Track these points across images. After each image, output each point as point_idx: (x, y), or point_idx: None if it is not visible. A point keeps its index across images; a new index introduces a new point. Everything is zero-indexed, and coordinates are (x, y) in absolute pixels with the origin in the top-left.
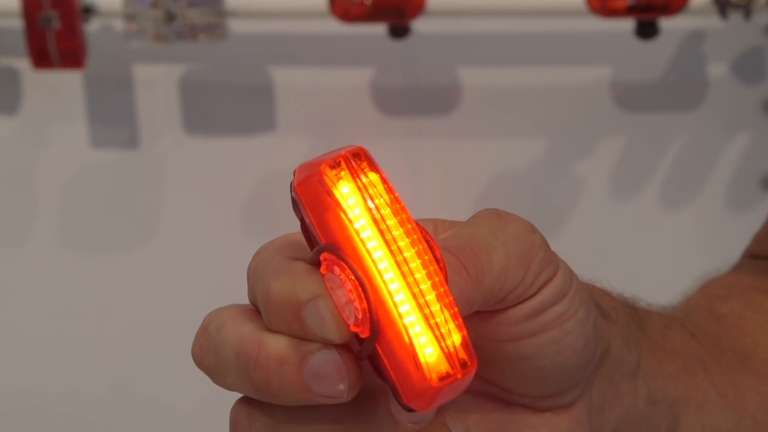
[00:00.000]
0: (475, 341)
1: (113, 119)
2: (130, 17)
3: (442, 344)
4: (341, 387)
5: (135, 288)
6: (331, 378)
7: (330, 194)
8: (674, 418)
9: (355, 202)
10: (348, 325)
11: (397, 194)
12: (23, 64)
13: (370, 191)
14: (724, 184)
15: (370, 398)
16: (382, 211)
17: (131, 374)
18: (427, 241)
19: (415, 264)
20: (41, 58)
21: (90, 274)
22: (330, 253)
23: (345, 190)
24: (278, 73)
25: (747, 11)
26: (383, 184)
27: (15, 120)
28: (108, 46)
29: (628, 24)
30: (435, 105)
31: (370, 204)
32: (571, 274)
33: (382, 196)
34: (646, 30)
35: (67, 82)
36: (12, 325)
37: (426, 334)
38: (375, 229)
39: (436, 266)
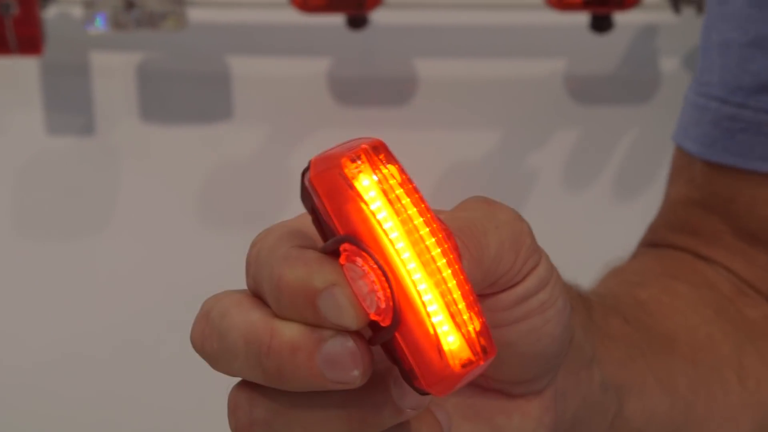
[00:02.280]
0: None
1: (70, 106)
2: (88, 4)
3: (464, 331)
4: (355, 373)
5: (90, 275)
6: (345, 364)
7: (351, 187)
8: (620, 403)
9: (375, 195)
10: (368, 314)
11: (415, 184)
12: None
13: (390, 182)
14: None
15: (372, 384)
16: (402, 202)
17: (86, 359)
18: (445, 230)
19: (436, 252)
20: None
21: (45, 261)
22: (351, 245)
23: (365, 183)
24: (236, 62)
25: (699, 6)
26: (401, 175)
27: None
28: (66, 32)
29: (582, 18)
30: (391, 96)
31: (390, 195)
32: (551, 265)
33: (401, 187)
34: (601, 24)
35: (25, 68)
36: None
37: (448, 322)
38: (396, 219)
39: (456, 254)
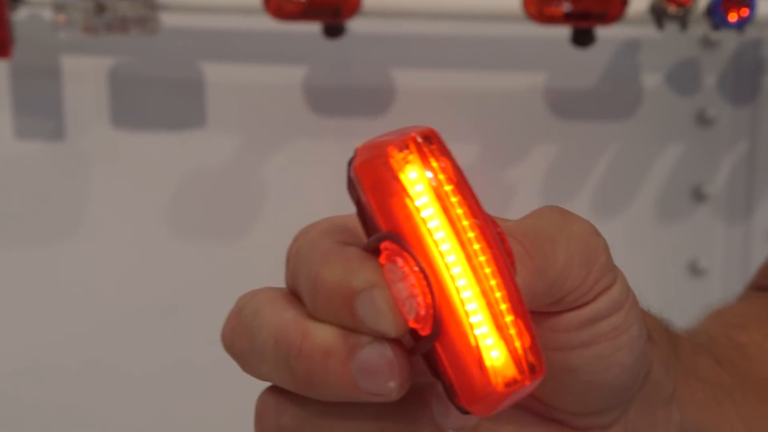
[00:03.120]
0: None
1: (39, 110)
2: (59, 7)
3: (510, 347)
4: (391, 384)
5: (58, 281)
6: (381, 374)
7: (396, 179)
8: None
9: (423, 189)
10: (407, 320)
11: (468, 182)
12: None
13: (440, 177)
14: (655, 194)
15: (412, 398)
16: (452, 200)
17: (52, 368)
18: (498, 234)
19: (484, 258)
20: None
21: (11, 267)
22: (393, 243)
23: (413, 176)
24: (209, 68)
25: (683, 22)
26: (454, 170)
27: None
28: (36, 35)
29: (564, 31)
30: (368, 106)
31: (440, 191)
32: (628, 287)
33: (452, 183)
34: (582, 38)
35: None
36: None
37: (493, 336)
38: (444, 218)
39: (508, 261)
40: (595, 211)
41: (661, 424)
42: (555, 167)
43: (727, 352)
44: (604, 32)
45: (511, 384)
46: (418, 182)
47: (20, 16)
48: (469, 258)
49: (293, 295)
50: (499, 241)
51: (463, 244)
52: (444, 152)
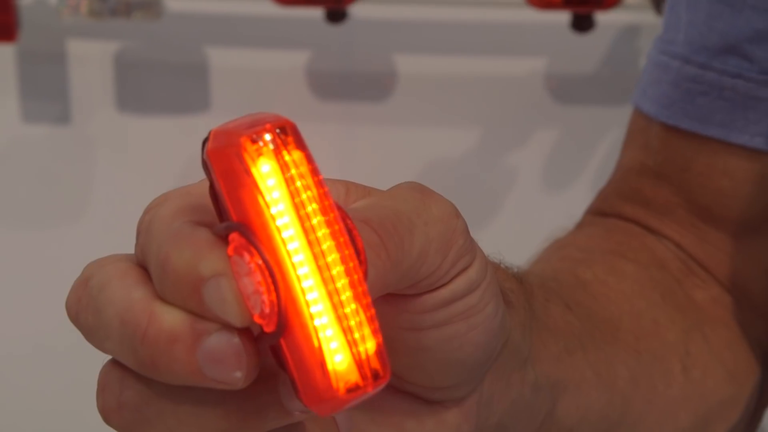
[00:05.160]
0: None
1: (45, 94)
2: None
3: (354, 351)
4: (238, 374)
5: (64, 265)
6: (227, 363)
7: (248, 172)
8: (553, 402)
9: (275, 184)
10: (252, 315)
11: (321, 177)
12: None
13: (293, 172)
14: None
15: (259, 382)
16: (303, 196)
17: (58, 351)
18: (350, 231)
19: (333, 257)
20: None
21: (19, 250)
22: (241, 236)
23: (265, 169)
24: (214, 53)
25: None
26: (308, 165)
27: None
28: (41, 20)
29: (563, 17)
30: (370, 91)
31: (291, 187)
32: (486, 265)
33: (305, 178)
34: (582, 23)
35: (0, 55)
36: None
37: (338, 339)
38: (294, 216)
39: (357, 261)
40: (595, 194)
41: (516, 387)
42: (555, 152)
43: (574, 293)
44: (603, 18)
45: (353, 390)
46: (270, 176)
47: (25, 0)
48: (316, 258)
49: (143, 269)
50: (350, 238)
51: (311, 244)
52: (299, 145)
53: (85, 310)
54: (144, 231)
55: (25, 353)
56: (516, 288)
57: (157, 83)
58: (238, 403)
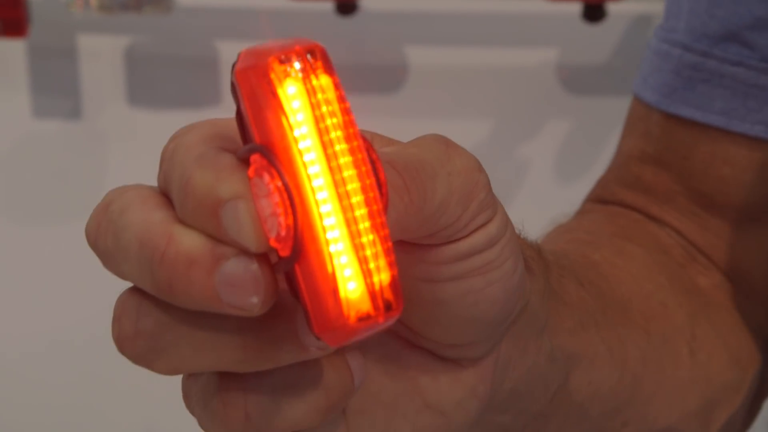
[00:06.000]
0: None
1: (56, 90)
2: None
3: (368, 281)
4: (254, 300)
5: (76, 260)
6: (244, 288)
7: (273, 93)
8: (566, 374)
9: (300, 106)
10: (268, 238)
11: (348, 105)
12: None
13: (319, 97)
14: None
15: (275, 313)
16: (328, 122)
17: (72, 346)
18: (373, 162)
19: (354, 186)
20: None
21: (30, 245)
22: (262, 157)
23: (291, 91)
24: (224, 47)
25: None
26: (336, 91)
27: None
28: (52, 15)
29: (575, 7)
30: (381, 83)
31: (317, 112)
32: (506, 222)
33: (331, 104)
34: (593, 13)
35: (10, 51)
36: None
37: (353, 267)
38: (317, 140)
39: (377, 192)
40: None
41: (532, 355)
42: (568, 143)
43: (587, 272)
44: (614, 7)
45: (364, 319)
46: (295, 98)
47: None
48: (336, 184)
49: (165, 195)
50: (373, 169)
51: (332, 170)
52: (328, 70)
53: (104, 234)
54: (168, 158)
55: (38, 349)
56: (535, 256)
57: (168, 77)
58: (254, 333)
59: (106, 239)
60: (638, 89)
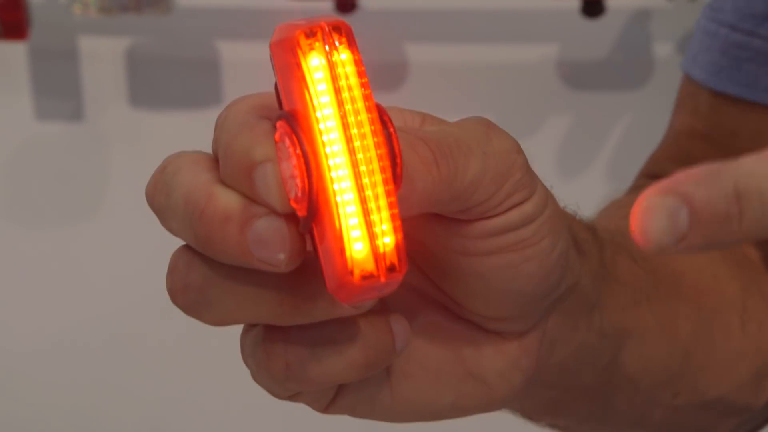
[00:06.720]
0: (432, 246)
1: (58, 91)
2: None
3: (374, 243)
4: (281, 256)
5: (80, 262)
6: (272, 245)
7: (298, 65)
8: (617, 349)
9: (322, 77)
10: (289, 199)
11: (367, 80)
12: None
13: (340, 71)
14: None
15: (310, 270)
16: (347, 94)
17: (75, 347)
18: (389, 135)
19: (367, 155)
20: None
21: (33, 247)
22: (286, 123)
23: (314, 63)
24: (225, 47)
25: None
26: (356, 67)
27: None
28: (52, 17)
29: (574, 2)
30: (381, 80)
31: (338, 83)
32: (546, 202)
33: (350, 78)
34: (593, 9)
35: (11, 53)
36: None
37: (361, 228)
38: (335, 109)
39: (388, 162)
40: (609, 181)
41: (582, 332)
42: (568, 138)
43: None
44: (614, 3)
45: (367, 277)
46: (317, 70)
47: None
48: (351, 152)
49: (215, 160)
50: (389, 141)
51: (348, 138)
52: (351, 45)
53: (159, 193)
54: (219, 124)
55: (42, 351)
56: (590, 238)
57: (169, 78)
58: (290, 290)
59: (160, 198)
60: (688, 67)
